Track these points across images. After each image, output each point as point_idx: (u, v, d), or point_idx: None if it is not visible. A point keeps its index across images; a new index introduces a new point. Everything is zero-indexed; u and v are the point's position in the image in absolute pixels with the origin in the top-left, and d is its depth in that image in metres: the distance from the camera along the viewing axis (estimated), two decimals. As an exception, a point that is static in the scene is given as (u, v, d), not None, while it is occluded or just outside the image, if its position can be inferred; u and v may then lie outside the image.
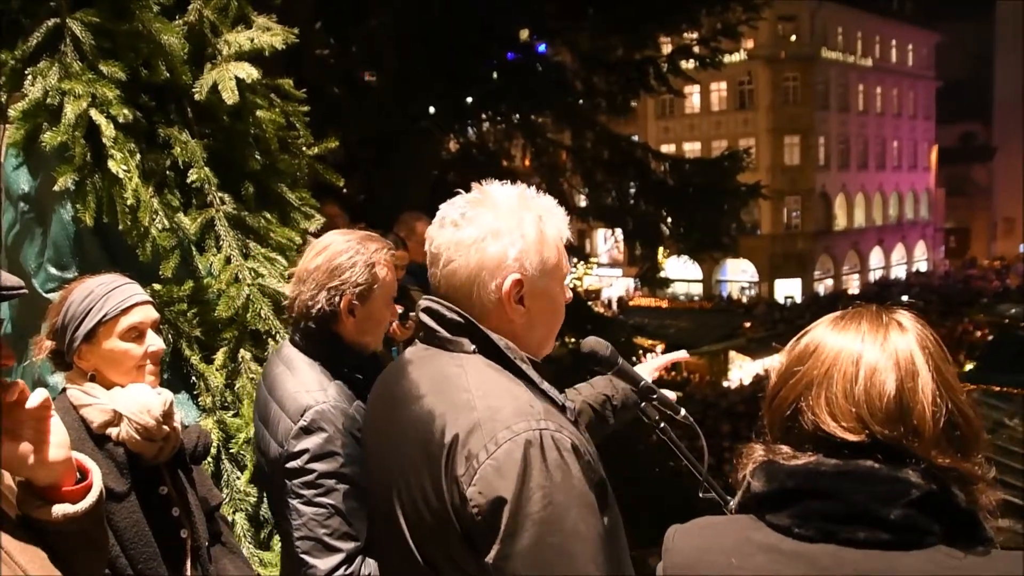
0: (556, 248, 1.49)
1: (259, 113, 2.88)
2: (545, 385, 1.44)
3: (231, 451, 2.62)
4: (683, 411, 1.86)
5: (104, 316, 1.95)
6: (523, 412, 1.32)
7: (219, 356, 2.70)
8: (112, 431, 1.93)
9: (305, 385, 1.97)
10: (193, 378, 2.67)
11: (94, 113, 2.51)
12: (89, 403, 1.94)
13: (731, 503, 1.67)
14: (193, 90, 2.76)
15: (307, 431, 1.90)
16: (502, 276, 1.43)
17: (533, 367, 1.45)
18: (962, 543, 1.04)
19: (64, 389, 1.99)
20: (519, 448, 1.27)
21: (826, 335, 1.17)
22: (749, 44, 34.90)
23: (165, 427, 1.99)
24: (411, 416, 1.44)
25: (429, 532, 1.38)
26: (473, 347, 1.44)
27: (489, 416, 1.32)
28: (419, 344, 1.54)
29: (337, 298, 1.99)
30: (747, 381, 22.50)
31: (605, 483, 1.36)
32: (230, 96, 2.66)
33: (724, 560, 1.12)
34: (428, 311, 1.49)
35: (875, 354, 1.11)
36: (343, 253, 2.01)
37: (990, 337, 21.57)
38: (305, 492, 1.89)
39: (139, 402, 1.96)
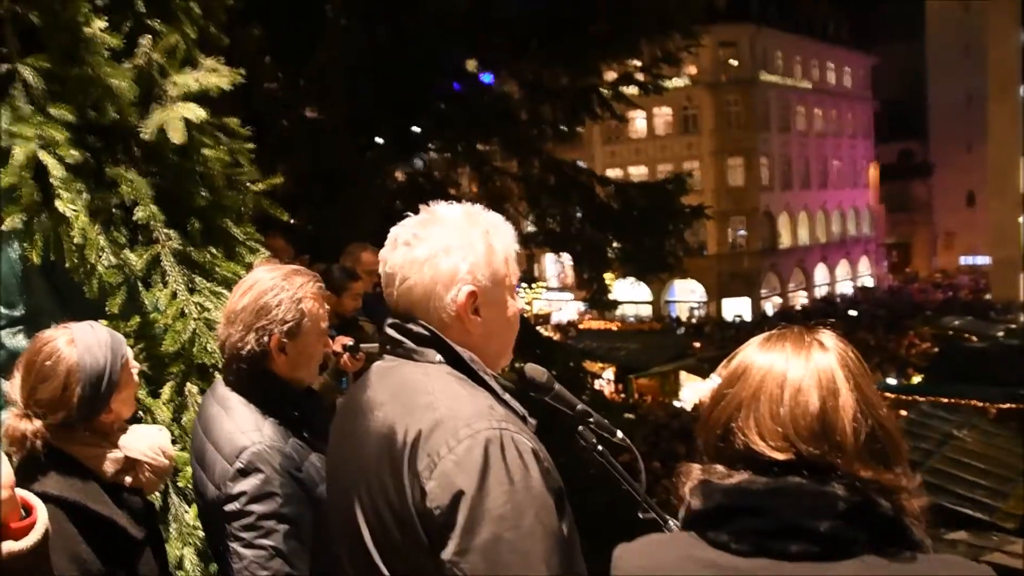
0: (504, 259, 1.53)
1: (205, 151, 2.94)
2: (507, 396, 1.47)
3: (179, 485, 2.62)
4: (620, 433, 1.91)
5: (123, 357, 1.90)
6: (484, 413, 1.36)
7: (166, 390, 2.72)
8: (127, 478, 1.89)
9: (240, 426, 1.96)
10: (140, 412, 2.67)
11: (43, 155, 2.54)
12: (96, 454, 1.85)
13: (670, 522, 1.77)
14: (140, 130, 2.82)
15: (244, 473, 1.89)
16: (456, 289, 1.47)
17: (496, 381, 1.48)
18: (890, 550, 1.09)
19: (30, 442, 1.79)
20: (479, 445, 1.31)
21: (754, 356, 1.22)
22: (692, 70, 35.76)
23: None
24: (374, 422, 1.46)
25: (392, 539, 1.38)
26: (440, 358, 1.47)
27: (451, 415, 1.36)
28: (386, 357, 1.56)
29: (266, 338, 1.98)
30: (700, 400, 22.48)
31: (563, 491, 1.39)
32: (178, 136, 2.73)
33: None
34: (394, 325, 1.53)
35: (798, 375, 1.16)
36: (268, 292, 1.99)
37: (935, 350, 21.84)
38: (245, 535, 1.88)
39: (150, 443, 1.92)
